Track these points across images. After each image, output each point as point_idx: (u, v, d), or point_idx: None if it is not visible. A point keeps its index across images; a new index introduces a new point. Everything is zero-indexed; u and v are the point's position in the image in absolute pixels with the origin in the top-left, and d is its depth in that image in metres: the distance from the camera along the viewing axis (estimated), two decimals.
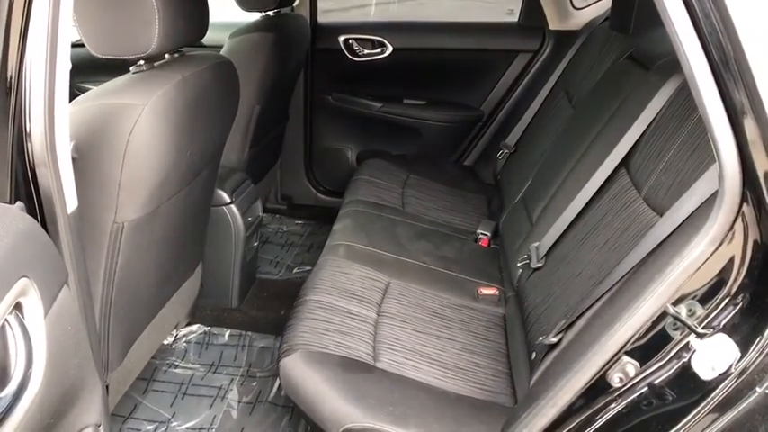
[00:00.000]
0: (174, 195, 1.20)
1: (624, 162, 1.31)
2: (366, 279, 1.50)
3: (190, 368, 1.73)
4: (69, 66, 0.89)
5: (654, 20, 1.75)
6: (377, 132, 2.53)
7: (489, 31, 2.37)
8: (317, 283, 1.44)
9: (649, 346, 0.83)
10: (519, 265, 1.51)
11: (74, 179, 0.93)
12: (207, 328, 1.82)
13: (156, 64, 1.13)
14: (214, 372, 1.72)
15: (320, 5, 2.38)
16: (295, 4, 2.27)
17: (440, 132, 2.46)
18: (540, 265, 1.43)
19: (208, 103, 1.22)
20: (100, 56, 1.06)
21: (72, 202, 0.92)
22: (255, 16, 1.95)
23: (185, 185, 1.23)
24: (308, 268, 2.27)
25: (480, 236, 1.90)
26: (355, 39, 2.37)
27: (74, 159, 0.94)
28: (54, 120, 0.84)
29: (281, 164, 2.57)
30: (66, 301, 0.74)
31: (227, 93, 1.33)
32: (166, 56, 1.20)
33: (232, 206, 1.69)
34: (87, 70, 1.86)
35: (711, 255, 0.76)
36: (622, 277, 1.00)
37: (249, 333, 1.81)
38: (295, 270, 2.26)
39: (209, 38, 2.24)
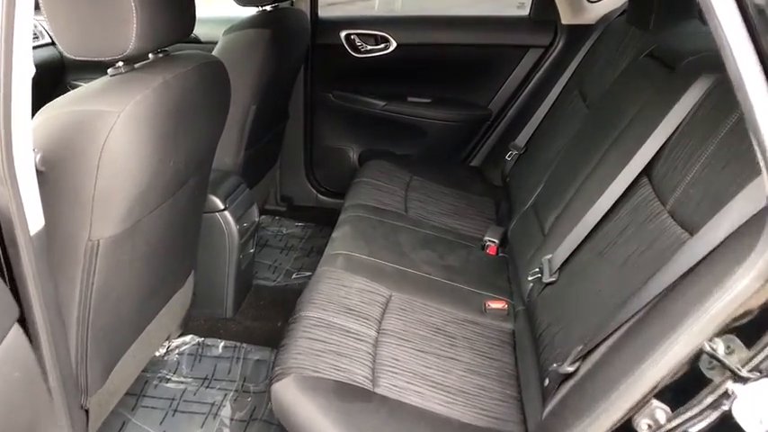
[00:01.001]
0: (158, 207, 1.10)
1: (646, 170, 1.20)
2: (366, 292, 1.41)
3: (182, 382, 1.64)
4: (32, 71, 0.80)
5: (677, 15, 1.66)
6: (380, 132, 2.43)
7: (498, 25, 2.26)
8: (314, 297, 1.35)
9: (682, 389, 0.73)
10: (530, 279, 1.41)
11: (40, 195, 0.83)
12: (200, 340, 1.73)
13: (135, 66, 1.03)
14: (207, 386, 1.63)
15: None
16: None
17: (445, 132, 2.35)
18: (553, 279, 1.33)
19: (194, 107, 1.13)
20: (73, 57, 0.97)
21: (37, 222, 0.82)
22: (252, 11, 1.85)
23: (170, 196, 1.14)
24: (308, 274, 2.18)
25: (488, 243, 1.80)
26: (357, 34, 2.27)
27: (41, 173, 0.85)
28: (11, 131, 0.75)
29: (281, 164, 2.48)
30: (15, 343, 0.65)
31: (216, 94, 1.23)
32: (150, 56, 1.11)
33: (226, 213, 1.60)
34: (82, 67, 1.77)
35: (759, 289, 0.66)
36: (649, 302, 0.90)
37: (244, 345, 1.72)
38: (294, 275, 2.17)
39: (207, 34, 2.17)
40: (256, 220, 1.79)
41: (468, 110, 2.33)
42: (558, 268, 1.33)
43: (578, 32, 2.10)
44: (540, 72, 2.22)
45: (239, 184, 1.72)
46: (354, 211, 1.82)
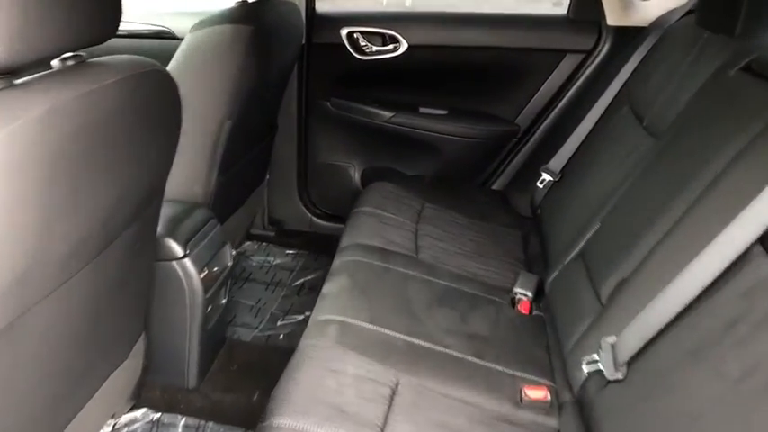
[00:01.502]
0: (60, 286, 0.75)
1: (763, 240, 0.84)
2: (365, 382, 1.05)
3: None
4: None
5: None
6: (386, 147, 2.08)
7: (530, 25, 1.89)
8: (292, 393, 0.99)
9: None
10: (586, 369, 1.05)
11: None
12: (156, 416, 1.38)
13: (16, 81, 0.68)
14: None
15: None
16: None
17: (464, 150, 1.99)
18: (619, 377, 0.97)
19: (117, 137, 0.77)
20: None
21: None
22: (230, 3, 1.49)
23: (83, 266, 0.79)
24: (298, 318, 1.83)
25: (519, 296, 1.45)
26: (362, 32, 1.91)
27: None
28: None
29: (270, 182, 2.12)
30: None
31: (156, 114, 0.88)
32: (54, 63, 0.75)
33: (186, 261, 1.25)
34: None
35: None
36: None
37: (210, 424, 1.37)
38: (280, 321, 1.81)
39: (186, 29, 1.81)
40: (229, 264, 1.43)
41: (491, 124, 1.96)
42: (628, 361, 0.97)
43: (628, 36, 1.74)
44: (580, 82, 1.86)
45: (208, 219, 1.36)
46: (353, 254, 1.46)
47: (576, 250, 1.37)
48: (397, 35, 1.89)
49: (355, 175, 2.12)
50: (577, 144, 1.72)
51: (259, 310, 1.86)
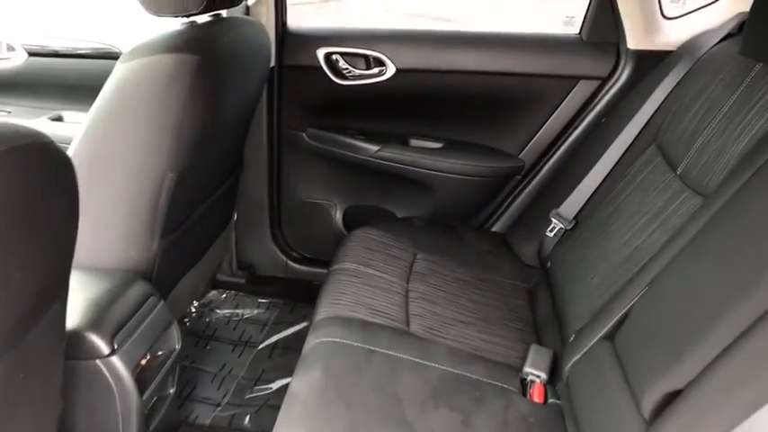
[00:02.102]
0: None
1: None
2: None
3: None
4: None
5: None
6: (371, 184, 1.82)
7: (537, 47, 1.63)
8: None
9: None
10: None
11: None
12: None
13: None
14: None
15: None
16: (250, 2, 1.55)
17: (461, 188, 1.73)
18: None
19: None
20: None
21: None
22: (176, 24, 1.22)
23: None
24: (268, 389, 1.56)
25: (531, 378, 1.19)
26: (342, 53, 1.65)
27: None
28: None
29: (238, 222, 1.85)
30: None
31: (39, 201, 0.61)
32: None
33: (113, 359, 0.97)
34: None
35: None
36: None
37: None
38: (248, 394, 1.54)
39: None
40: (177, 347, 1.16)
41: (492, 160, 1.71)
42: None
43: (651, 61, 1.50)
44: (594, 114, 1.61)
45: (146, 296, 1.09)
46: (330, 333, 1.19)
47: (603, 331, 1.12)
48: (383, 57, 1.63)
49: (336, 215, 1.86)
50: (593, 187, 1.47)
51: (223, 379, 1.58)
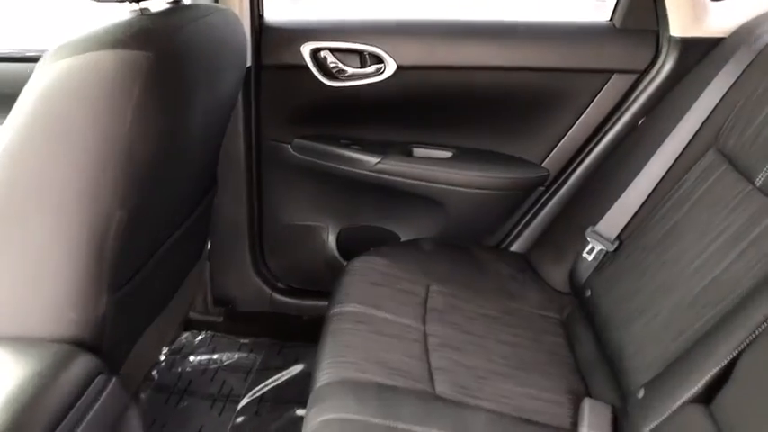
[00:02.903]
0: None
1: None
2: None
3: None
4: None
5: None
6: (369, 202, 1.56)
7: (562, 37, 1.39)
8: None
9: None
10: None
11: None
12: None
13: None
14: None
15: None
16: None
17: (475, 203, 1.48)
18: None
19: None
20: None
21: None
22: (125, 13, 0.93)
23: None
24: None
25: None
26: (332, 49, 1.38)
27: None
28: None
29: (213, 250, 1.57)
30: None
31: None
32: None
33: None
34: None
35: None
36: None
37: None
38: None
39: None
40: None
41: (510, 170, 1.46)
42: None
43: (699, 50, 1.27)
44: (631, 113, 1.38)
45: (92, 376, 0.81)
46: (337, 403, 0.93)
47: (693, 391, 0.87)
48: (381, 52, 1.37)
49: (329, 239, 1.59)
50: (639, 201, 1.23)
51: None
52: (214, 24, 1.04)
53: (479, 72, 1.39)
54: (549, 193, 1.49)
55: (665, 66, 1.33)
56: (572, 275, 1.33)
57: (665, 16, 1.30)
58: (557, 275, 1.39)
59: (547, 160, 1.46)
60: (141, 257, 0.96)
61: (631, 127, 1.37)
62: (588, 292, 1.26)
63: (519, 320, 1.27)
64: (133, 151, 0.78)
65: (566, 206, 1.45)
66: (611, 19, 1.39)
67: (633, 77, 1.36)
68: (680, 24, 1.29)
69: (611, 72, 1.37)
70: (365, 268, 1.30)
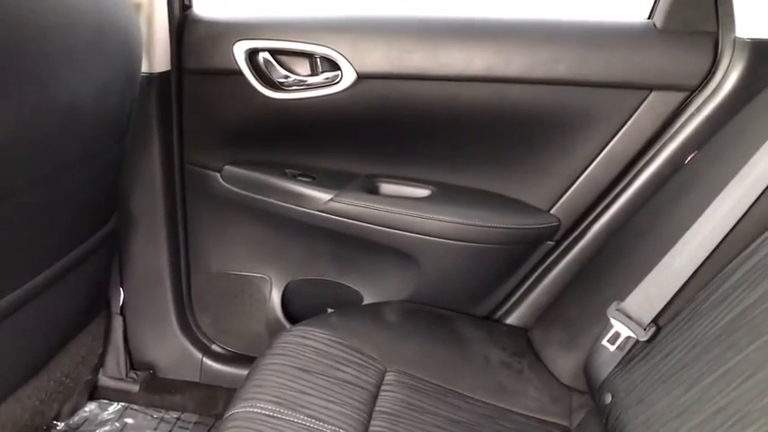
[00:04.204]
0: None
1: None
2: None
3: None
4: None
5: None
6: (325, 249, 1.20)
7: (583, 39, 1.02)
8: None
9: None
10: None
11: None
12: None
13: None
14: None
15: None
16: None
17: (459, 260, 1.12)
18: None
19: None
20: None
21: None
22: None
23: None
24: None
25: None
26: (274, 50, 1.05)
27: None
28: None
29: (127, 300, 1.24)
30: None
31: None
32: None
33: None
34: None
35: None
36: None
37: None
38: None
39: None
40: None
41: (508, 216, 1.09)
42: None
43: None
44: (676, 145, 1.00)
45: None
46: None
47: None
48: (336, 55, 1.03)
49: (272, 294, 1.24)
50: (688, 271, 0.85)
51: None
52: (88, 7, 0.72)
53: (468, 84, 1.03)
54: (560, 250, 1.10)
55: (727, 80, 0.95)
56: (587, 368, 0.95)
57: (730, 12, 0.93)
58: (566, 364, 1.02)
59: (557, 206, 1.08)
60: None
61: (676, 165, 0.98)
62: (609, 397, 0.88)
63: (511, 430, 0.90)
64: None
65: (581, 270, 1.07)
66: (650, 17, 1.02)
67: (680, 96, 0.98)
68: (752, 23, 0.92)
69: (650, 88, 0.99)
70: (297, 345, 0.95)
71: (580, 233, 1.08)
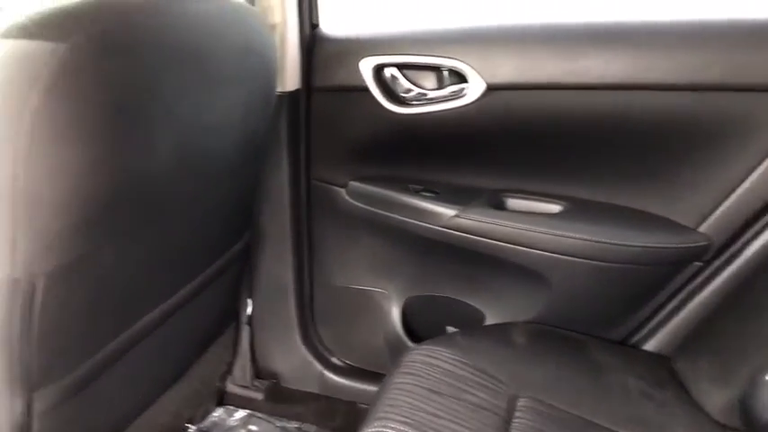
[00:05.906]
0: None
1: None
2: None
3: None
4: None
5: None
6: (447, 266, 1.18)
7: (737, 39, 0.93)
8: None
9: None
10: None
11: None
12: None
13: None
14: None
15: None
16: None
17: (594, 280, 1.04)
18: None
19: None
20: None
21: None
22: None
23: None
24: None
25: None
26: (400, 65, 1.05)
27: None
28: None
29: (255, 312, 1.29)
30: None
31: None
32: None
33: None
34: None
35: None
36: None
37: None
38: None
39: None
40: None
41: (651, 234, 1.00)
42: None
43: None
44: None
45: None
46: None
47: None
48: (464, 67, 1.01)
49: (392, 310, 1.23)
50: None
51: None
52: (219, 15, 0.75)
53: (604, 92, 0.97)
54: (710, 271, 1.00)
55: None
56: (745, 405, 0.86)
57: None
58: (718, 399, 0.92)
59: (707, 223, 0.98)
60: (96, 337, 0.68)
61: None
62: None
63: None
64: (44, 185, 0.49)
65: (736, 294, 0.96)
66: None
67: None
68: None
69: None
70: (424, 364, 0.93)
71: (734, 254, 0.97)
